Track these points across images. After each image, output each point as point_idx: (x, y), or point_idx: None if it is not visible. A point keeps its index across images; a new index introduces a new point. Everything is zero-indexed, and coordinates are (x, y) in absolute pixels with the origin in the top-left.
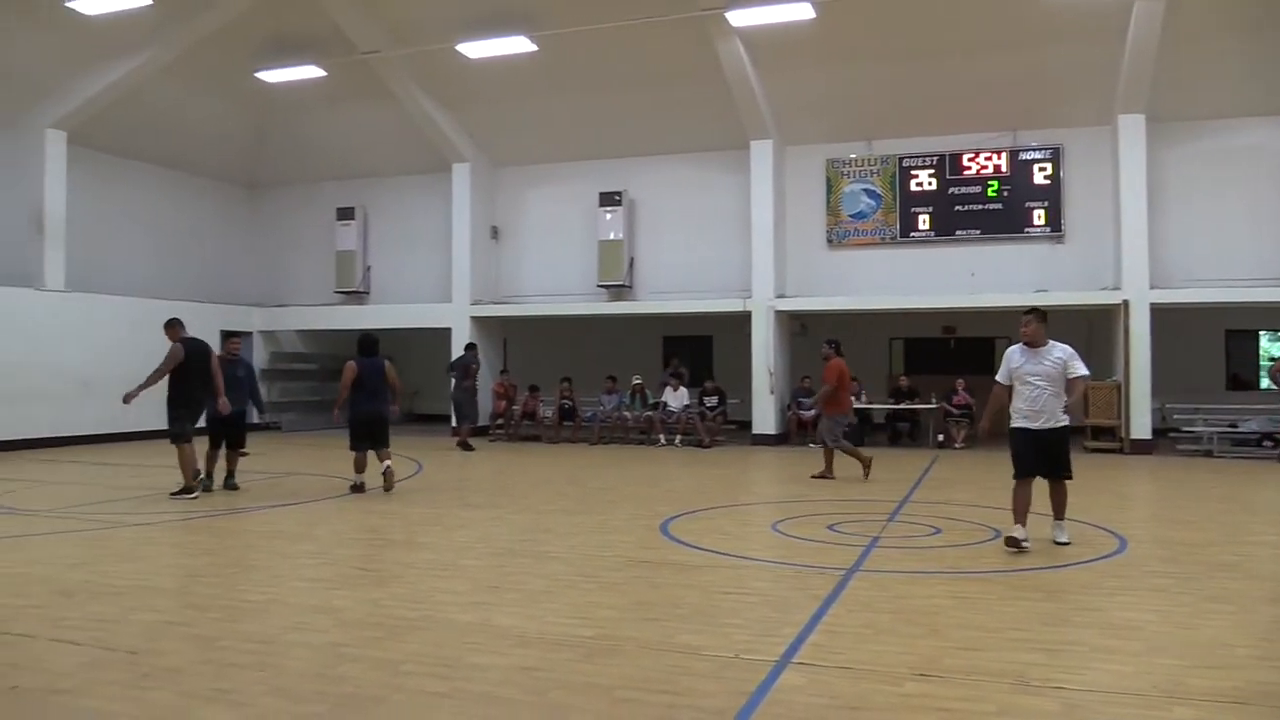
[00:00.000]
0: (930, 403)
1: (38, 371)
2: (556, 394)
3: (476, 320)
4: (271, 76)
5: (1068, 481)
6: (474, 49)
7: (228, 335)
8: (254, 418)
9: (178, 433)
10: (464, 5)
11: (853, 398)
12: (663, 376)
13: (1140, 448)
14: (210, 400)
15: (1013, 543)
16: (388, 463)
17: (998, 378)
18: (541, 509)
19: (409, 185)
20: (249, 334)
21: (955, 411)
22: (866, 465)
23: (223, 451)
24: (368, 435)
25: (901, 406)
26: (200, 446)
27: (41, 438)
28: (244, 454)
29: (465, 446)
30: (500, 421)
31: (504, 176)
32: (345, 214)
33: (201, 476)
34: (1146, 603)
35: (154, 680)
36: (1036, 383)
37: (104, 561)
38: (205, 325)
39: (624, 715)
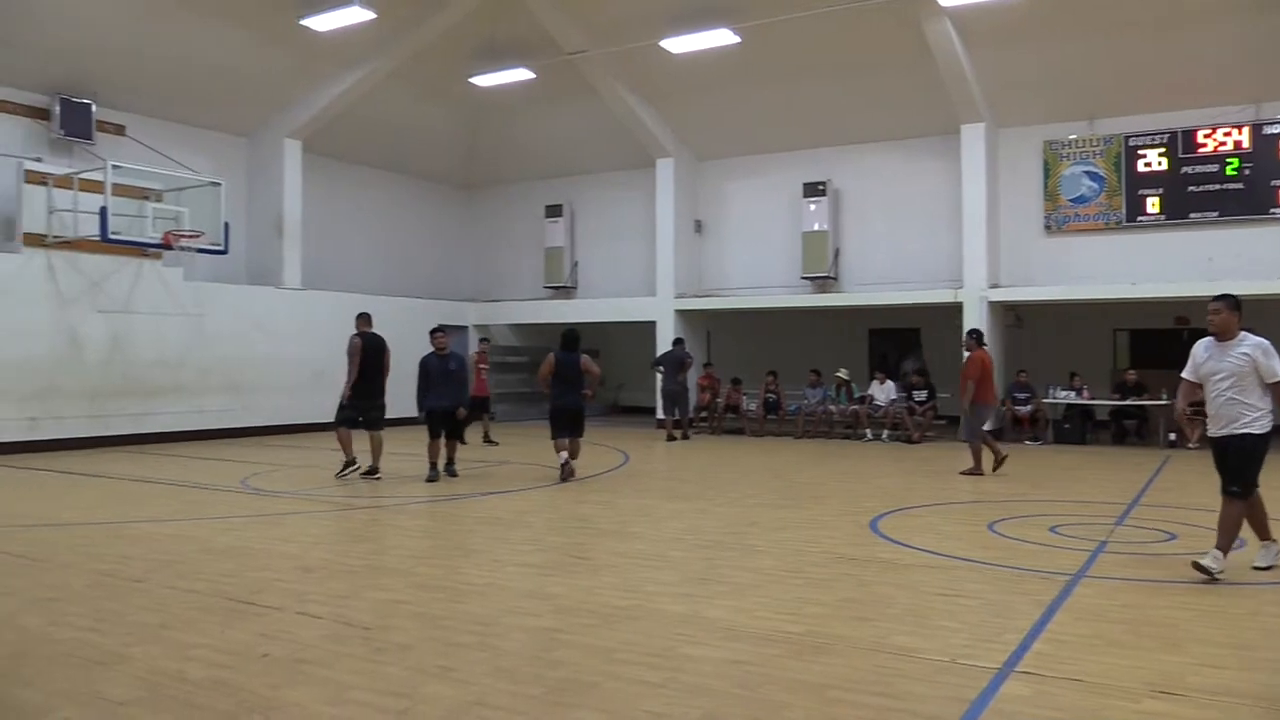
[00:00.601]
0: (1160, 399)
1: (278, 363)
2: (761, 387)
3: (680, 313)
4: (484, 81)
5: (1236, 499)
6: (677, 44)
7: (434, 331)
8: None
9: (339, 420)
10: (667, 1)
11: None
12: (908, 366)
13: None
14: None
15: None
16: (572, 462)
17: (1183, 374)
18: (747, 502)
19: (614, 181)
20: (464, 328)
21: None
22: (998, 460)
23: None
24: (566, 424)
25: (1128, 403)
26: (392, 434)
27: (282, 424)
28: (494, 444)
29: (684, 436)
30: (704, 414)
31: (707, 170)
32: (553, 211)
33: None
34: None
35: (386, 656)
36: (1217, 382)
37: (339, 541)
38: (425, 320)
39: (837, 716)
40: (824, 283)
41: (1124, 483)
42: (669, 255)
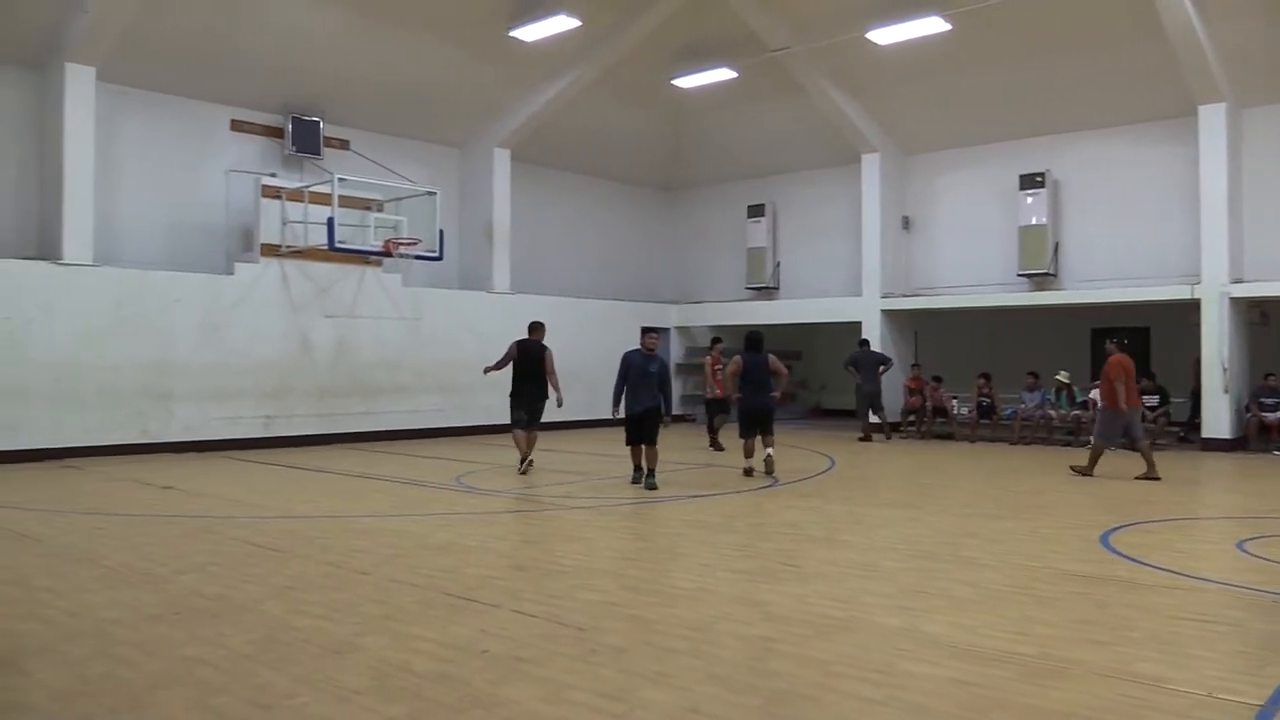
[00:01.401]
0: None
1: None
2: (974, 390)
3: (887, 314)
4: (686, 82)
5: None
6: (884, 35)
7: (645, 331)
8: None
9: (511, 421)
10: None
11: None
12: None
13: None
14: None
15: None
16: (769, 451)
17: None
18: (962, 511)
19: (817, 179)
20: (665, 330)
21: None
22: (1091, 466)
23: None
24: (755, 424)
25: None
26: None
27: (491, 424)
28: (722, 449)
29: (887, 438)
30: (912, 418)
31: (915, 165)
32: (755, 211)
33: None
34: None
35: (600, 658)
36: None
37: (551, 541)
38: (627, 323)
39: None
40: (1042, 280)
41: None
42: (875, 253)
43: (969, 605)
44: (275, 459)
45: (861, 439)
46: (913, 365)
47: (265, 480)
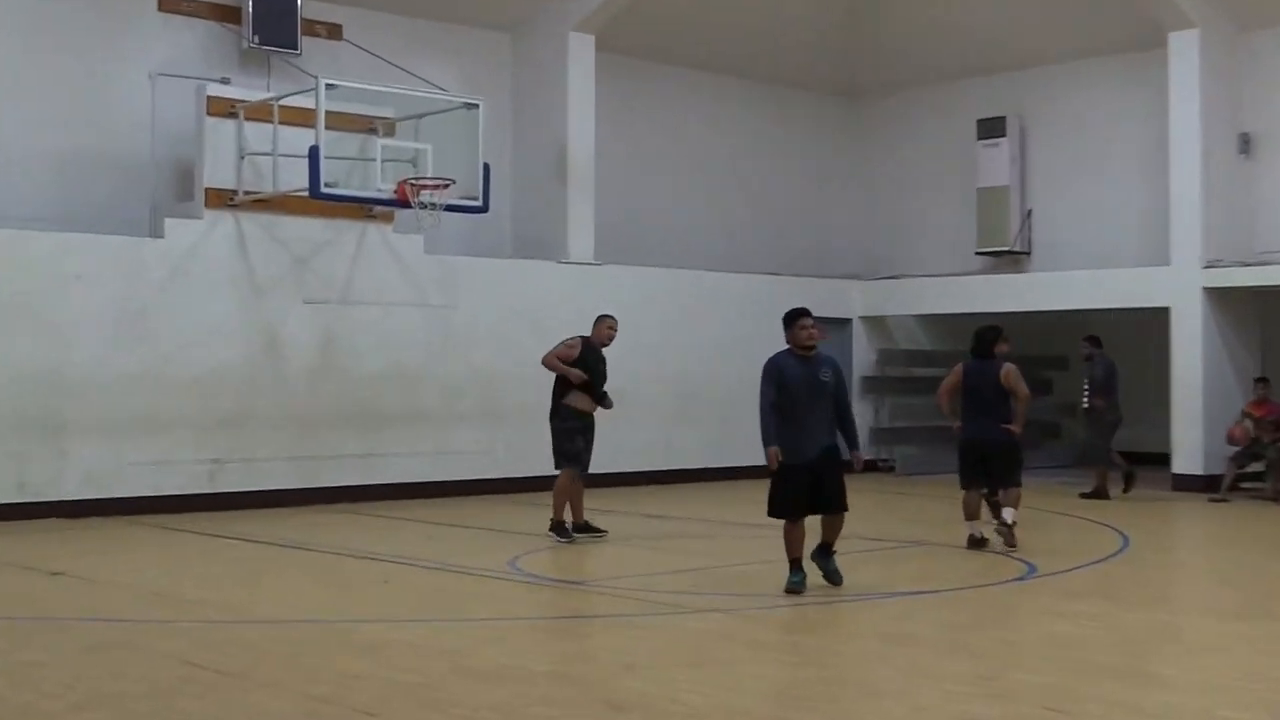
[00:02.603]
0: None
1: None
2: None
3: (1212, 294)
4: None
5: None
6: None
7: (794, 317)
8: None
9: None
10: None
11: None
12: None
13: None
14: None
15: None
16: (1008, 511)
17: None
18: None
19: (1094, 75)
20: (846, 321)
21: None
22: None
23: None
24: (980, 468)
25: None
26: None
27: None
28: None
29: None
30: (1255, 466)
31: (1260, 47)
32: (991, 129)
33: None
34: None
35: None
36: None
37: (664, 664)
38: (774, 306)
39: None
40: None
41: None
42: (1193, 195)
43: None
44: (226, 527)
45: (1086, 496)
46: (1257, 380)
47: (211, 562)
